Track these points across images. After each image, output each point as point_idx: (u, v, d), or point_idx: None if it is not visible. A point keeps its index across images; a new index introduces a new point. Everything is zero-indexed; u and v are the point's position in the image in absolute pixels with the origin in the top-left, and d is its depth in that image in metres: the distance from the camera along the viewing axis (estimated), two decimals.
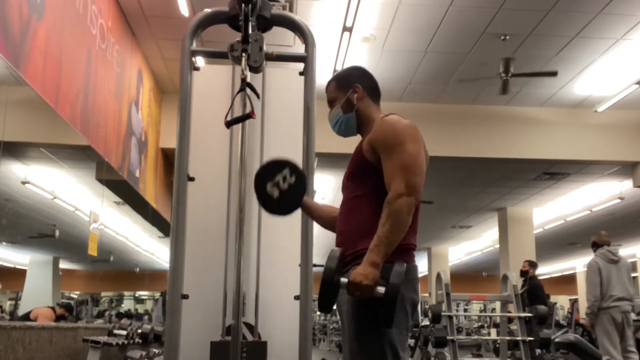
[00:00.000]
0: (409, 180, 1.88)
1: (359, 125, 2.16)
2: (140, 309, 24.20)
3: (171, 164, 8.37)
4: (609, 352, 5.66)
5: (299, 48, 2.95)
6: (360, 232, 1.95)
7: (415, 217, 1.99)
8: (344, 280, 1.81)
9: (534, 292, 7.73)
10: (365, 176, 2.01)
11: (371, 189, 1.98)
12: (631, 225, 13.97)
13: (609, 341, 5.68)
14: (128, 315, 13.56)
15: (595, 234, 6.19)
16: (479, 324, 14.57)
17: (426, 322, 6.09)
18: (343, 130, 2.20)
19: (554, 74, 6.66)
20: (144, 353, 5.10)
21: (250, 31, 2.40)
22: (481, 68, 7.01)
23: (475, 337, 11.60)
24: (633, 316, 5.97)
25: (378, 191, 1.94)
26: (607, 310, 5.70)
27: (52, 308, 8.29)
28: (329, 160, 8.50)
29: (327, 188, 11.16)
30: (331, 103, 2.22)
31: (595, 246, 6.05)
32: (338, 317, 2.25)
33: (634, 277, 6.02)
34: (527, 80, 7.21)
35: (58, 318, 7.92)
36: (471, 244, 18.01)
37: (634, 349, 5.75)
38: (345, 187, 2.10)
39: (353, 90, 2.15)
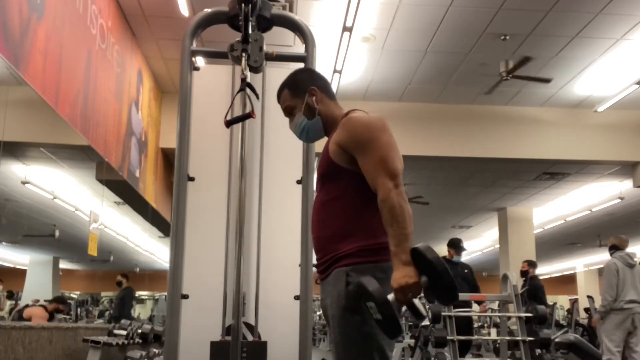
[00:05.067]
0: (391, 172, 1.82)
1: (325, 128, 2.08)
2: (140, 309, 24.15)
3: (171, 164, 8.37)
4: (610, 350, 5.74)
5: (299, 48, 2.95)
6: (340, 235, 1.91)
7: None
8: (391, 296, 1.70)
9: (534, 292, 7.73)
10: (335, 178, 1.95)
11: (344, 190, 1.93)
12: (631, 225, 13.97)
13: (610, 341, 5.83)
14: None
15: (615, 237, 6.34)
16: (479, 324, 14.55)
17: (426, 322, 6.10)
18: (311, 137, 2.12)
19: (547, 80, 6.66)
20: (144, 353, 5.10)
21: (250, 31, 2.40)
22: (481, 68, 7.01)
23: (475, 337, 11.60)
24: None
25: (351, 192, 1.91)
26: (618, 311, 5.84)
27: (44, 307, 8.17)
28: None
29: None
30: (289, 112, 2.11)
31: (615, 249, 6.17)
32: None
33: None
34: (527, 80, 7.21)
35: (52, 313, 7.87)
36: (471, 244, 18.00)
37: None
38: (318, 190, 2.04)
39: (310, 93, 2.06)
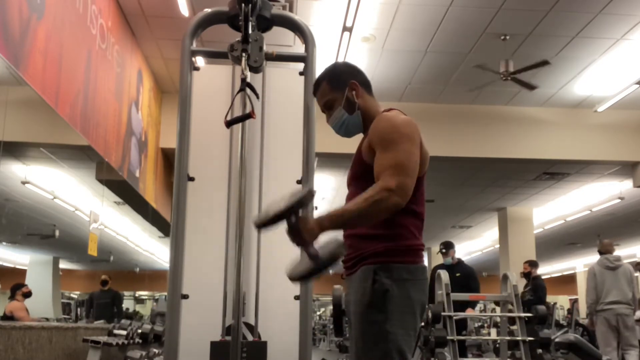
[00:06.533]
0: (402, 182, 1.79)
1: (363, 123, 2.04)
2: (140, 308, 24.18)
3: (171, 164, 8.37)
4: (605, 350, 5.93)
5: (299, 48, 2.95)
6: (369, 234, 1.91)
7: (421, 216, 1.97)
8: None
9: (534, 291, 7.73)
10: (367, 178, 1.92)
11: None
12: (631, 225, 13.98)
13: (604, 341, 6.17)
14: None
15: (600, 241, 6.74)
16: (479, 324, 14.55)
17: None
18: (351, 131, 2.07)
19: (546, 62, 6.56)
20: (144, 353, 5.09)
21: (250, 31, 2.40)
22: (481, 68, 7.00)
23: (475, 337, 11.59)
24: (638, 315, 6.32)
25: None
26: (601, 312, 6.19)
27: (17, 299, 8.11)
28: (329, 160, 8.50)
29: (327, 188, 11.16)
30: (329, 107, 2.06)
31: (599, 253, 6.52)
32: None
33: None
34: (527, 80, 7.20)
35: None
36: (471, 244, 18.01)
37: (634, 344, 6.01)
38: (350, 189, 2.04)
39: (350, 87, 2.03)
